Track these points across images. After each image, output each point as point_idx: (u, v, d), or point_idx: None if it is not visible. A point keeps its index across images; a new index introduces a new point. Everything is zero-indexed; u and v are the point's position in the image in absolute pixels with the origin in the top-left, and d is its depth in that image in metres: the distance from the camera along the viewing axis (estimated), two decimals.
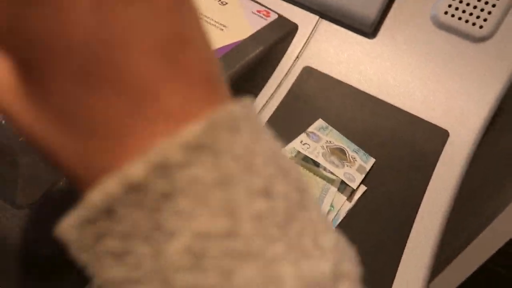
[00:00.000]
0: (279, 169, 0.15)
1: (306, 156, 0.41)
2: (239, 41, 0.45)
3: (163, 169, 0.13)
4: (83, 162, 0.14)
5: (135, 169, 0.13)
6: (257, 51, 0.45)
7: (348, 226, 0.39)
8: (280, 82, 0.50)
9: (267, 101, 0.49)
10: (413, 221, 0.41)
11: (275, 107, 0.48)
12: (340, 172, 0.41)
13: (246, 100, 0.17)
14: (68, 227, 0.14)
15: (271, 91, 0.50)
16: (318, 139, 0.43)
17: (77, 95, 0.13)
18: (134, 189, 0.13)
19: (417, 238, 0.41)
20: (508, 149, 0.59)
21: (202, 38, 0.16)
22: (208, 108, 0.15)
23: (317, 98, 0.49)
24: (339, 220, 0.39)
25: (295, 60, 0.52)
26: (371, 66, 0.51)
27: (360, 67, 0.51)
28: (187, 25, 0.15)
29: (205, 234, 0.13)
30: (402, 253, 0.40)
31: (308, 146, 0.42)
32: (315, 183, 0.40)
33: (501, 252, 0.52)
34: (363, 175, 0.41)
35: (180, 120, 0.14)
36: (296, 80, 0.50)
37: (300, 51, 0.52)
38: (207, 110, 0.15)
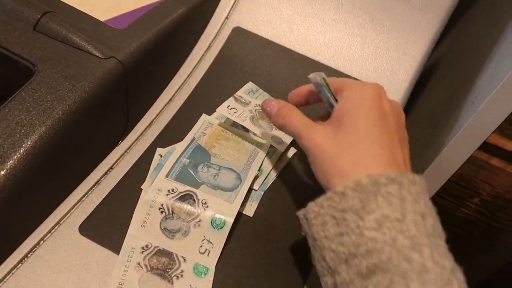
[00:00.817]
0: (432, 213, 0.28)
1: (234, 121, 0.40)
2: (159, 1, 0.42)
3: (376, 182, 0.27)
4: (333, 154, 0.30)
5: (364, 178, 0.27)
6: (179, 12, 0.42)
7: (279, 189, 0.39)
8: (210, 45, 0.48)
9: (196, 64, 0.47)
10: None
11: (205, 70, 0.46)
12: (268, 136, 0.40)
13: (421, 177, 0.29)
14: (312, 206, 0.29)
15: (201, 54, 0.47)
16: (246, 102, 0.42)
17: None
18: (359, 186, 0.27)
19: None
20: (436, 108, 0.60)
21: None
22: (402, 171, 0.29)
23: (249, 59, 0.48)
24: (269, 184, 0.38)
25: (224, 21, 0.49)
26: (302, 25, 0.49)
27: (290, 26, 0.49)
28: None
29: (386, 216, 0.26)
30: None
31: (236, 111, 0.40)
32: (243, 149, 0.40)
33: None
34: (292, 138, 0.41)
35: (380, 170, 0.28)
36: (226, 42, 0.48)
37: (229, 12, 0.50)
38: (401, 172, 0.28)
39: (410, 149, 0.34)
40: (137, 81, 0.38)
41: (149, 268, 0.32)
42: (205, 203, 0.34)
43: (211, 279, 0.32)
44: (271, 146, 0.40)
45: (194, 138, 0.39)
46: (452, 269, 0.25)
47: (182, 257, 0.33)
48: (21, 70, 0.33)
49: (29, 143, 0.29)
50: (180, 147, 0.38)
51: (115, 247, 0.33)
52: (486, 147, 0.48)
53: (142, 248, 0.33)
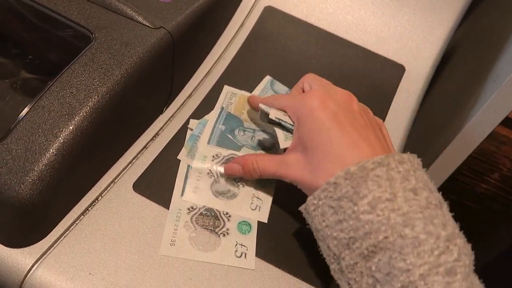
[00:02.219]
0: (427, 187, 0.29)
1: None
2: None
3: (364, 168, 0.29)
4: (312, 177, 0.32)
5: (353, 166, 0.29)
6: None
7: None
8: (242, 23, 0.50)
9: (229, 42, 0.49)
10: None
11: (238, 47, 0.48)
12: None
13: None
14: (311, 199, 0.31)
15: (234, 32, 0.49)
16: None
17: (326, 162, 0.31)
18: (349, 174, 0.29)
19: None
20: (459, 85, 0.62)
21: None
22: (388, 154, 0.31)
23: (279, 37, 0.50)
24: None
25: (256, 0, 0.51)
26: (331, 5, 0.51)
27: (320, 6, 0.51)
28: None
29: (377, 197, 0.28)
30: None
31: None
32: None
33: (451, 180, 0.56)
34: None
35: (369, 155, 0.30)
36: (258, 20, 0.50)
37: None
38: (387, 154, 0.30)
39: (432, 127, 0.36)
40: (182, 51, 0.40)
41: (197, 227, 0.34)
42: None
43: (254, 236, 0.35)
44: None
45: (222, 107, 0.42)
46: (449, 236, 0.27)
47: (226, 216, 0.35)
48: (80, 37, 0.35)
49: (92, 101, 0.31)
50: (212, 116, 0.40)
51: (166, 203, 0.35)
52: (507, 122, 0.50)
53: (188, 209, 0.35)
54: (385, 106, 0.47)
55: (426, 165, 0.58)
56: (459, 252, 0.27)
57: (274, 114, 0.36)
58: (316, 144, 0.32)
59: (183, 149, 0.39)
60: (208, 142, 0.38)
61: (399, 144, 0.45)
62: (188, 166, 0.37)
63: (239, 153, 0.38)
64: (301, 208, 0.32)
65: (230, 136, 0.39)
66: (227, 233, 0.34)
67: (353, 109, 0.34)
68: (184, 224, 0.34)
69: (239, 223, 0.35)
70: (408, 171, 0.29)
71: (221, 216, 0.35)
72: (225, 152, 0.38)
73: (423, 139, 0.59)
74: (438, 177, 0.56)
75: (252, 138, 0.39)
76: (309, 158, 0.32)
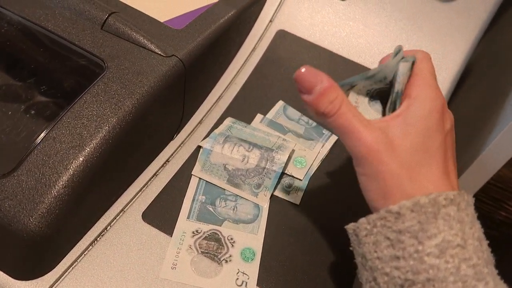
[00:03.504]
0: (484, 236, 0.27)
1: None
2: (211, 4, 0.45)
3: (435, 203, 0.25)
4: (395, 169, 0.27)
5: (423, 197, 0.25)
6: (230, 14, 0.44)
7: (322, 177, 0.40)
8: (255, 46, 0.50)
9: (242, 65, 0.48)
10: None
11: (250, 71, 0.48)
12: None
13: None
14: (363, 223, 0.27)
15: (246, 56, 0.49)
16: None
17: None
18: (417, 206, 0.25)
19: None
20: (475, 109, 0.61)
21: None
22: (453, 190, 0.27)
23: (292, 61, 0.49)
24: (311, 174, 0.40)
25: (268, 24, 0.51)
26: (344, 28, 0.51)
27: (333, 30, 0.51)
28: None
29: (448, 241, 0.25)
30: None
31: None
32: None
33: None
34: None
35: (433, 190, 0.26)
36: (270, 44, 0.50)
37: (273, 15, 0.52)
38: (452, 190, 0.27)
39: None
40: (193, 78, 0.40)
41: (199, 251, 0.34)
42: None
43: (257, 265, 0.34)
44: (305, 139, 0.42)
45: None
46: None
47: (230, 241, 0.35)
48: (93, 66, 0.35)
49: (103, 133, 0.31)
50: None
51: None
52: None
53: (193, 232, 0.35)
54: None
55: None
56: None
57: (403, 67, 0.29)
58: (420, 148, 0.26)
59: (197, 164, 0.39)
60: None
61: None
62: (197, 188, 0.37)
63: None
64: (349, 227, 0.28)
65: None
66: (230, 260, 0.34)
67: (453, 134, 0.30)
68: (187, 248, 0.34)
69: (243, 250, 0.35)
70: (474, 216, 0.26)
71: (225, 242, 0.35)
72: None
73: None
74: None
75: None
76: (403, 152, 0.26)
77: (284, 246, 0.35)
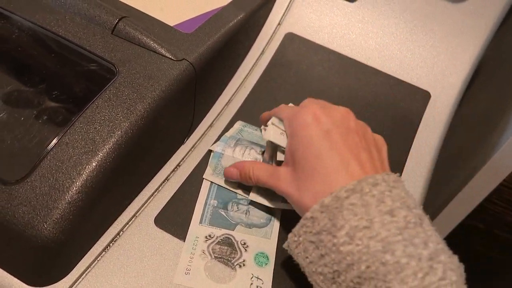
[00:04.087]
0: (405, 205, 0.28)
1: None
2: (220, 7, 0.45)
3: (338, 198, 0.29)
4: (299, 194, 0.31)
5: (327, 197, 0.29)
6: (239, 17, 0.44)
7: None
8: (263, 50, 0.50)
9: (250, 70, 0.48)
10: None
11: (259, 74, 0.48)
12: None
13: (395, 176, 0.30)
14: (291, 236, 0.31)
15: (255, 59, 0.49)
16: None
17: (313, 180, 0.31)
18: (324, 206, 0.29)
19: None
20: (485, 109, 0.61)
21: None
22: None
23: (301, 64, 0.49)
24: None
25: (277, 27, 0.51)
26: (353, 30, 0.51)
27: (342, 32, 0.51)
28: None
29: (354, 227, 0.27)
30: None
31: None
32: None
33: (479, 208, 0.54)
34: None
35: (357, 175, 0.30)
36: (279, 47, 0.50)
37: (282, 17, 0.52)
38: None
39: (458, 153, 0.34)
40: (204, 82, 0.40)
41: (213, 256, 0.33)
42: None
43: (271, 269, 0.34)
44: None
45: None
46: (431, 254, 0.26)
47: (243, 246, 0.34)
48: (104, 71, 0.35)
49: (115, 137, 0.31)
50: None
51: None
52: None
53: (206, 237, 0.34)
54: (410, 134, 0.45)
55: (453, 193, 0.56)
56: (444, 269, 0.25)
57: (271, 121, 0.36)
58: (304, 161, 0.31)
59: (208, 167, 0.38)
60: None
61: (425, 173, 0.44)
62: (209, 192, 0.37)
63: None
64: (284, 246, 0.32)
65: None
66: (244, 265, 0.34)
67: (349, 127, 0.33)
68: (201, 253, 0.33)
69: (256, 254, 0.34)
70: (382, 193, 0.28)
71: (238, 246, 0.34)
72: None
73: (449, 166, 0.57)
74: (466, 206, 0.54)
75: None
76: (297, 174, 0.32)
77: None
